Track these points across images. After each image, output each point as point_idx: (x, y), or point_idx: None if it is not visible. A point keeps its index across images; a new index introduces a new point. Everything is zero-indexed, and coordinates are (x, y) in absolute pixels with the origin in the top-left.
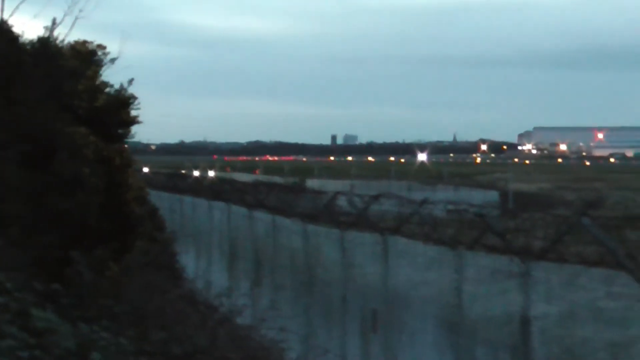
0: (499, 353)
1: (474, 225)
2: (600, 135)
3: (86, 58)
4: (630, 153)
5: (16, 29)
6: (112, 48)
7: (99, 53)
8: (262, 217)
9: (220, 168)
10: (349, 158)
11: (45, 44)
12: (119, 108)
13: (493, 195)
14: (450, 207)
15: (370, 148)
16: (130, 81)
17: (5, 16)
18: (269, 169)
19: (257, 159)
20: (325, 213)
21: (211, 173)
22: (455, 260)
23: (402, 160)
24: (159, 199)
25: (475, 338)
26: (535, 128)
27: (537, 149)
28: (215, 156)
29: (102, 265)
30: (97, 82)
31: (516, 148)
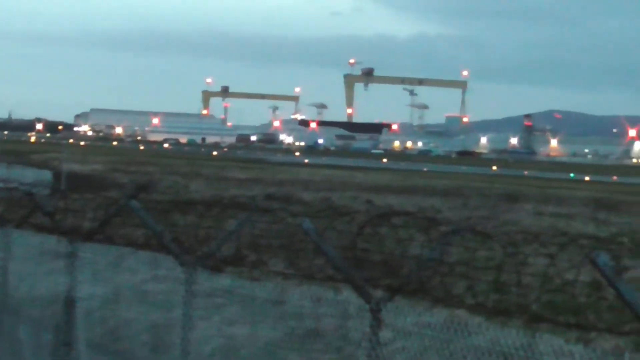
0: (42, 333)
1: (23, 203)
2: (155, 120)
3: None
4: (184, 139)
5: None
6: None
7: None
8: None
9: None
10: None
11: None
12: None
13: (46, 175)
14: (0, 184)
15: None
16: None
17: None
18: None
19: None
20: None
21: None
22: (2, 238)
23: None
24: None
25: (20, 317)
26: (92, 109)
27: (94, 131)
28: None
29: None
30: None
31: (73, 129)
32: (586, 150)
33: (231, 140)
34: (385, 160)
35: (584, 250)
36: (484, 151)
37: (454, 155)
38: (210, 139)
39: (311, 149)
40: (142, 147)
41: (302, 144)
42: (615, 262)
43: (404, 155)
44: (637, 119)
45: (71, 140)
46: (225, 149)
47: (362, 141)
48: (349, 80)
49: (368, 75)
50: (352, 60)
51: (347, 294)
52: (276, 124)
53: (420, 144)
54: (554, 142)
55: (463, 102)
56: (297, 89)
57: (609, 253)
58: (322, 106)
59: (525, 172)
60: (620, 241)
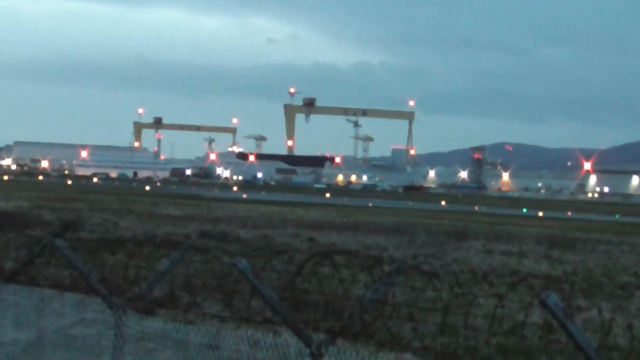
0: None
1: None
2: (84, 154)
3: None
4: (114, 173)
5: None
6: None
7: None
8: None
9: None
10: None
11: None
12: None
13: None
14: None
15: None
16: None
17: None
18: None
19: None
20: None
21: None
22: None
23: None
24: None
25: None
26: (16, 142)
27: (18, 165)
28: None
29: None
30: None
31: None
32: (539, 185)
33: (165, 174)
34: (328, 195)
35: (534, 290)
36: (432, 185)
37: (400, 190)
38: (143, 173)
39: (250, 184)
40: (69, 182)
41: (240, 178)
42: (566, 302)
43: (347, 190)
44: (591, 152)
45: None
46: (159, 184)
47: (303, 175)
48: (290, 111)
49: (309, 105)
50: (292, 90)
51: (287, 337)
52: (212, 157)
53: (365, 177)
54: (505, 176)
55: (410, 134)
56: (235, 120)
57: (561, 293)
58: (261, 138)
59: (476, 208)
60: (573, 280)
